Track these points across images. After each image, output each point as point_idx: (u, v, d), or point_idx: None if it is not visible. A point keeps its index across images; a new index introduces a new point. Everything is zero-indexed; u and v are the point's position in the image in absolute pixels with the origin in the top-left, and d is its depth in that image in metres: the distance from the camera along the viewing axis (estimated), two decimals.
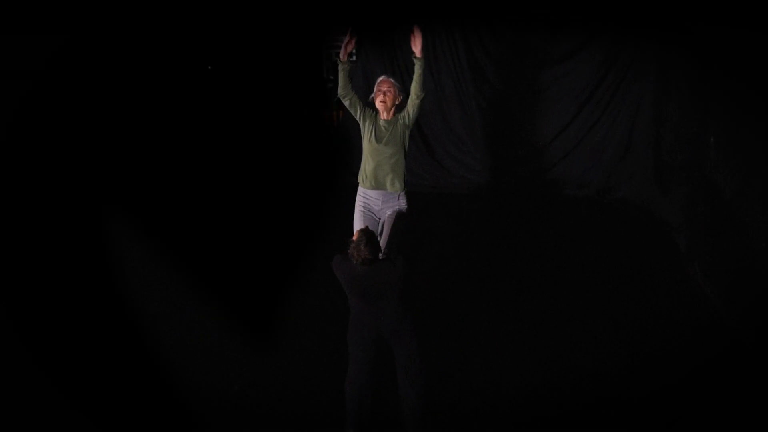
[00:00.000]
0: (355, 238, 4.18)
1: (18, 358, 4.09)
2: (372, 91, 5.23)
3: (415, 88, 5.05)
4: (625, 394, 4.81)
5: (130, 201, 5.52)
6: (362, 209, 5.27)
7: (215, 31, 6.42)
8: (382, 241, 5.08)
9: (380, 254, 4.27)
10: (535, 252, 6.72)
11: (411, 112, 5.10)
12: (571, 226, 7.31)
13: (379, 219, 5.28)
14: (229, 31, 6.58)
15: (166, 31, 5.74)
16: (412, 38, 5.03)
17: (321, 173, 8.03)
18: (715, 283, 5.83)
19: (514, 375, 5.02)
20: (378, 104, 5.11)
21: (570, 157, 8.02)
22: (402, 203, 5.25)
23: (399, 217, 5.20)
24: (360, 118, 5.15)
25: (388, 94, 5.09)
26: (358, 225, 5.24)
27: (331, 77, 8.37)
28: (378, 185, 5.18)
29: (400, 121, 5.11)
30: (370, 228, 5.01)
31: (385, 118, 5.13)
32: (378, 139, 5.09)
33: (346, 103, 5.17)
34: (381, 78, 5.23)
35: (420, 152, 8.03)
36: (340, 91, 5.14)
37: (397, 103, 5.15)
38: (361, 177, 5.25)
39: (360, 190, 5.30)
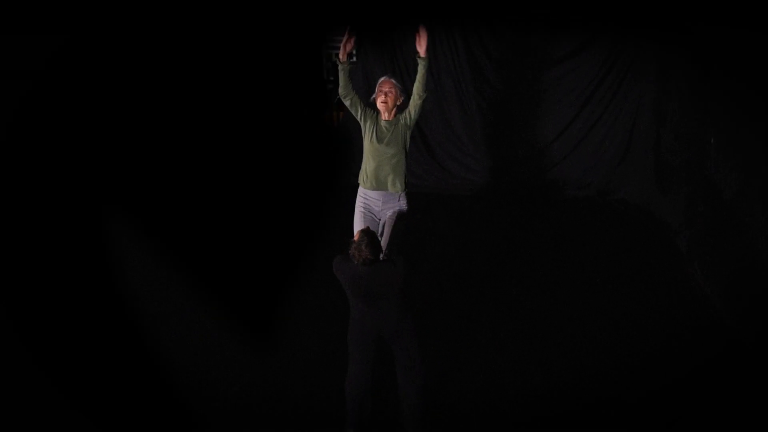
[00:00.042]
0: (356, 238, 4.18)
1: (18, 358, 4.09)
2: (372, 92, 5.23)
3: (417, 88, 5.05)
4: (625, 394, 4.81)
5: (131, 201, 5.52)
6: (362, 210, 5.27)
7: (215, 32, 6.42)
8: (383, 242, 5.08)
9: (381, 255, 4.27)
10: (536, 252, 6.72)
11: (413, 113, 5.09)
12: (572, 227, 7.31)
13: (380, 220, 5.28)
14: (229, 31, 6.57)
15: (167, 31, 5.74)
16: (418, 38, 5.02)
17: (321, 173, 8.02)
18: (715, 283, 5.83)
19: (514, 375, 5.02)
20: (379, 105, 5.11)
21: (570, 158, 8.01)
22: (402, 204, 5.24)
23: (399, 218, 5.20)
24: (361, 118, 5.15)
25: (390, 94, 5.09)
26: (358, 226, 5.24)
27: (332, 78, 8.36)
28: (379, 185, 5.18)
29: (402, 121, 5.10)
30: (371, 229, 5.02)
31: (387, 118, 5.12)
32: (379, 140, 5.09)
33: (347, 103, 5.16)
34: (382, 79, 5.23)
35: (420, 153, 8.02)
36: (340, 91, 5.14)
37: (398, 103, 5.15)
38: (362, 177, 5.25)
39: (360, 191, 5.29)
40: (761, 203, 5.11)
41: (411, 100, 5.09)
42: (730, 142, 5.73)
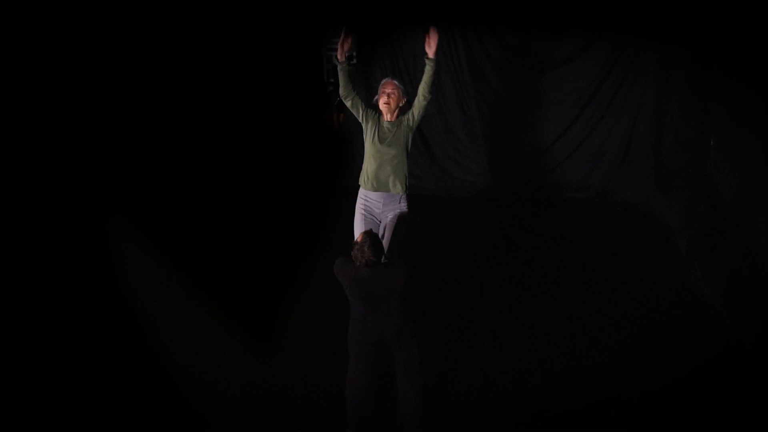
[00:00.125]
0: (358, 240, 4.18)
1: (18, 358, 4.09)
2: (373, 92, 5.22)
3: (423, 89, 5.04)
4: (626, 394, 4.81)
5: (131, 201, 5.51)
6: (363, 212, 5.26)
7: (216, 32, 6.42)
8: (384, 245, 5.07)
9: (383, 257, 4.27)
10: (536, 253, 6.72)
11: (416, 114, 5.09)
12: (572, 228, 7.31)
13: (380, 222, 5.27)
14: (229, 32, 6.57)
15: (167, 31, 5.74)
16: (427, 38, 5.00)
17: (321, 174, 8.02)
18: (715, 284, 5.83)
19: (514, 375, 5.02)
20: (382, 106, 5.10)
21: (571, 160, 8.01)
22: (403, 206, 5.24)
23: (400, 220, 5.20)
24: (362, 119, 5.15)
25: (392, 95, 5.08)
26: (358, 228, 5.23)
27: (332, 80, 8.36)
28: (380, 186, 5.17)
29: (404, 123, 5.10)
30: (370, 228, 5.02)
31: (389, 119, 5.12)
32: (381, 140, 5.08)
33: (348, 103, 5.16)
34: (385, 80, 5.23)
35: (420, 155, 8.02)
36: (341, 91, 5.14)
37: (400, 105, 5.15)
38: (363, 178, 5.24)
39: (361, 192, 5.28)
40: (761, 204, 5.11)
41: (416, 101, 5.08)
42: (730, 142, 5.73)
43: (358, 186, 5.31)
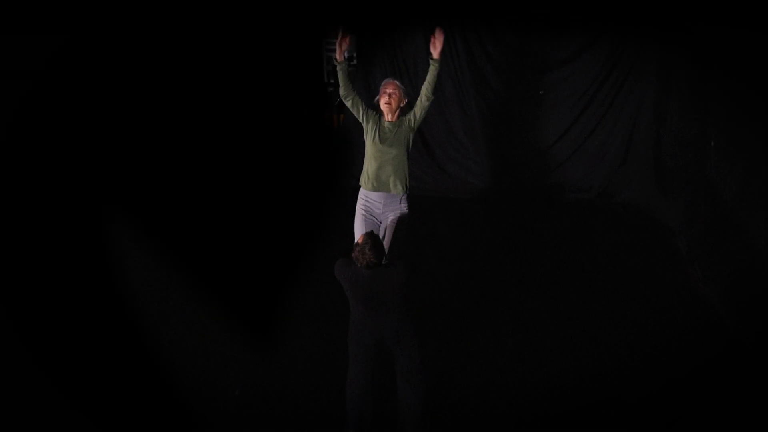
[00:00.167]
0: (359, 241, 4.18)
1: (18, 358, 4.09)
2: (373, 93, 5.22)
3: (427, 89, 5.04)
4: (626, 394, 4.81)
5: (131, 201, 5.52)
6: (363, 212, 5.25)
7: (216, 33, 6.42)
8: (384, 246, 5.06)
9: (384, 259, 4.27)
10: (536, 254, 6.73)
11: (418, 114, 5.08)
12: (572, 229, 7.31)
13: (380, 222, 5.26)
14: (229, 32, 6.57)
15: (168, 32, 5.74)
16: (433, 39, 5.00)
17: (321, 174, 8.02)
18: (715, 284, 5.83)
19: (514, 375, 5.02)
20: (383, 106, 5.10)
21: (571, 161, 8.02)
22: (403, 207, 5.23)
23: (401, 222, 5.19)
24: (363, 119, 5.15)
25: (393, 96, 5.08)
26: (359, 229, 5.23)
27: (332, 81, 8.37)
28: (380, 186, 5.16)
29: (406, 123, 5.10)
30: (371, 230, 5.02)
31: (390, 119, 5.12)
32: (382, 140, 5.08)
33: (348, 103, 5.16)
34: (386, 80, 5.23)
35: (421, 156, 8.02)
36: (341, 91, 5.14)
37: (402, 105, 5.14)
38: (363, 178, 5.23)
39: (361, 193, 5.28)
40: (761, 204, 5.11)
41: (418, 101, 5.07)
42: (730, 142, 5.73)
43: (359, 186, 5.30)
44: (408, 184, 5.19)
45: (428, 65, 5.06)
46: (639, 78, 7.59)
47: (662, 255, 6.69)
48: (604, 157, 7.97)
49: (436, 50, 5.00)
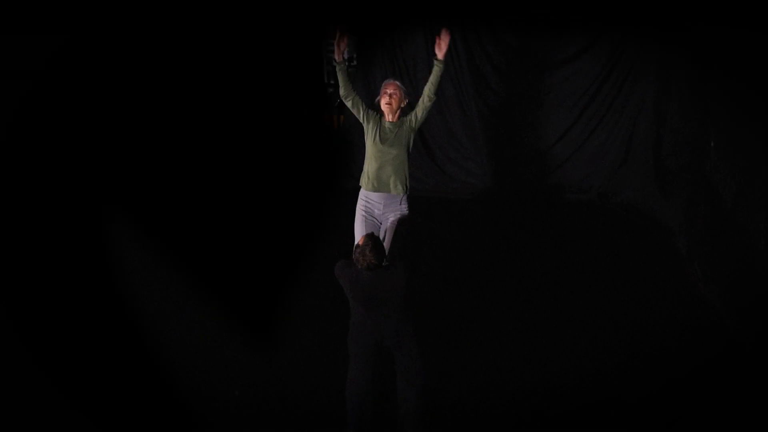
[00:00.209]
0: (360, 243, 4.17)
1: (18, 358, 4.09)
2: (372, 93, 5.22)
3: (429, 89, 5.04)
4: (626, 394, 4.81)
5: (131, 201, 5.52)
6: (363, 213, 5.24)
7: (216, 33, 6.42)
8: (384, 247, 5.05)
9: (384, 260, 4.27)
10: (536, 254, 6.73)
11: (420, 114, 5.08)
12: (572, 229, 7.31)
13: (380, 223, 5.26)
14: (229, 33, 6.57)
15: (168, 32, 5.74)
16: (438, 40, 5.00)
17: (321, 174, 8.02)
18: (715, 284, 5.83)
19: (514, 375, 5.02)
20: (384, 106, 5.10)
21: (571, 161, 8.01)
22: (404, 208, 5.22)
23: (401, 223, 5.19)
24: (363, 119, 5.14)
25: (394, 96, 5.08)
26: (359, 230, 5.22)
27: (332, 82, 8.37)
28: (380, 187, 5.15)
29: (407, 123, 5.10)
30: (371, 231, 5.01)
31: (391, 120, 5.11)
32: (382, 140, 5.07)
33: (348, 104, 5.16)
34: (387, 81, 5.23)
35: (421, 156, 8.01)
36: (341, 92, 5.14)
37: (402, 105, 5.14)
38: (364, 179, 5.22)
39: (362, 194, 5.27)
40: (761, 204, 5.11)
41: (420, 102, 5.07)
42: (730, 142, 5.73)
43: (358, 187, 5.29)
44: (408, 185, 5.19)
45: (428, 65, 5.06)
46: (639, 78, 7.59)
47: (662, 255, 6.69)
48: (604, 158, 7.97)
49: (441, 51, 5.00)
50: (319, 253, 6.28)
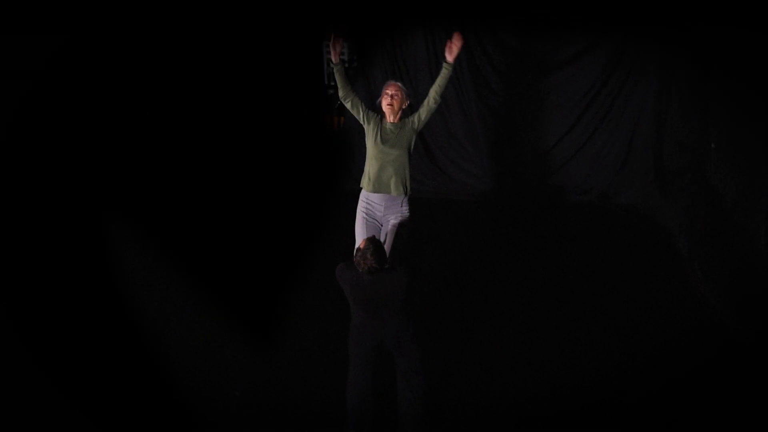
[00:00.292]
0: (361, 246, 4.17)
1: (18, 358, 4.09)
2: (373, 94, 5.22)
3: (436, 91, 5.04)
4: (626, 394, 4.81)
5: (131, 201, 5.52)
6: (364, 215, 5.23)
7: (216, 34, 6.42)
8: (385, 250, 5.04)
9: (385, 264, 4.27)
10: (537, 256, 6.73)
11: (423, 116, 5.08)
12: (573, 231, 7.31)
13: (381, 225, 5.25)
14: (229, 34, 6.58)
15: (168, 33, 5.74)
16: (449, 43, 5.00)
17: (321, 174, 8.02)
18: (715, 284, 5.83)
19: (515, 376, 5.02)
20: (385, 107, 5.10)
21: (572, 163, 8.01)
22: (405, 210, 5.21)
23: (402, 226, 5.18)
24: (363, 120, 5.14)
25: (396, 97, 5.08)
26: (360, 233, 5.21)
27: (332, 83, 8.38)
28: (381, 187, 5.15)
29: (409, 125, 5.09)
30: (372, 235, 5.01)
31: (392, 121, 5.11)
32: (383, 141, 5.07)
33: (348, 105, 5.16)
34: (388, 82, 5.24)
35: (421, 158, 8.01)
36: (340, 93, 5.14)
37: (404, 107, 5.14)
38: (364, 180, 5.21)
39: (362, 195, 5.26)
40: (761, 204, 5.11)
41: (425, 103, 5.07)
42: (730, 142, 5.72)
43: (359, 188, 5.29)
44: (409, 186, 5.18)
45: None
46: (640, 79, 7.59)
47: (662, 256, 6.69)
48: (604, 159, 7.96)
49: (451, 55, 5.01)
50: (319, 254, 6.28)
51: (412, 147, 5.17)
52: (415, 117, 5.10)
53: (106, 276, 5.02)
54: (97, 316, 4.72)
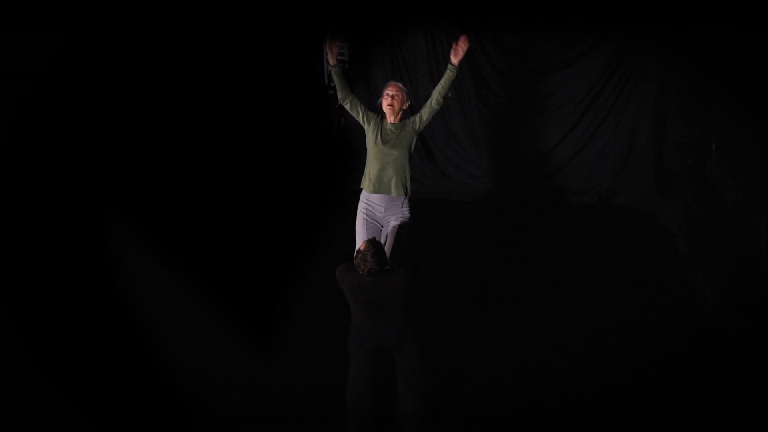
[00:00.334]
0: (361, 248, 4.17)
1: (18, 358, 4.09)
2: (373, 95, 5.21)
3: (439, 93, 5.03)
4: (626, 394, 4.81)
5: (131, 201, 5.52)
6: (365, 217, 5.23)
7: (216, 34, 6.42)
8: (386, 251, 5.04)
9: (385, 265, 4.27)
10: (537, 256, 6.72)
11: (425, 116, 5.08)
12: (573, 232, 7.31)
13: (382, 226, 5.25)
14: (229, 34, 6.58)
15: (168, 34, 5.74)
16: (455, 46, 5.00)
17: (322, 174, 8.03)
18: (716, 285, 5.83)
19: (515, 377, 5.02)
20: (385, 108, 5.10)
21: (572, 164, 8.01)
22: (405, 211, 5.21)
23: (402, 227, 5.18)
24: (363, 121, 5.14)
25: (396, 98, 5.07)
26: (360, 234, 5.21)
27: (332, 84, 8.38)
28: (381, 188, 5.14)
29: (410, 125, 5.09)
30: (373, 236, 5.01)
31: (392, 121, 5.11)
32: (384, 142, 5.07)
33: (347, 106, 5.15)
34: (389, 82, 5.23)
35: (421, 159, 8.01)
36: (339, 95, 5.14)
37: (404, 107, 5.14)
38: (365, 181, 5.21)
39: (363, 196, 5.25)
40: (761, 205, 5.11)
41: (427, 104, 5.06)
42: (730, 143, 5.72)
43: (359, 188, 5.28)
44: (409, 187, 5.17)
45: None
46: (640, 80, 7.58)
47: (663, 257, 6.69)
48: (605, 160, 7.96)
49: (456, 57, 5.01)
50: (319, 254, 6.28)
51: (413, 148, 5.16)
52: (417, 118, 5.10)
53: (106, 276, 5.02)
54: (97, 316, 4.72)
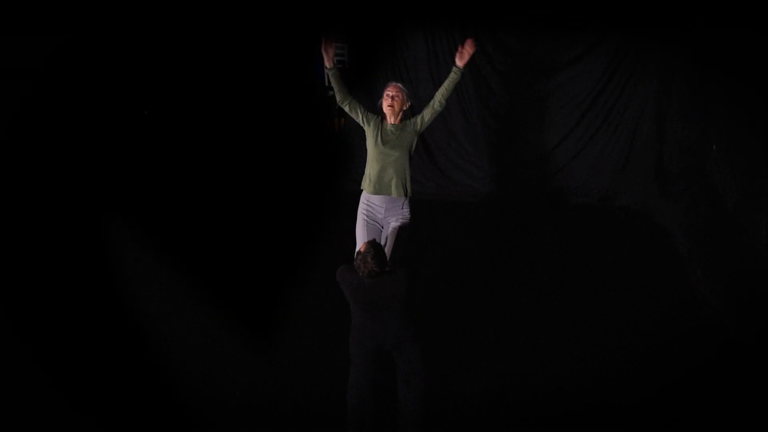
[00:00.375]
0: (362, 249, 4.16)
1: (18, 358, 4.10)
2: (373, 96, 5.21)
3: (442, 95, 5.03)
4: (626, 395, 4.80)
5: (131, 201, 5.52)
6: (365, 218, 5.22)
7: (217, 35, 6.43)
8: (386, 253, 5.04)
9: (386, 267, 4.26)
10: (538, 257, 6.72)
11: (427, 118, 5.07)
12: (574, 233, 7.30)
13: (382, 227, 5.24)
14: (230, 35, 6.58)
15: (168, 34, 5.75)
16: (460, 49, 5.00)
17: (322, 175, 8.03)
18: (716, 285, 5.83)
19: (516, 378, 5.01)
20: (385, 108, 5.09)
21: (572, 165, 8.00)
22: (406, 212, 5.20)
23: (402, 228, 5.18)
24: (363, 122, 5.13)
25: (396, 98, 5.07)
26: (361, 236, 5.20)
27: (332, 85, 8.39)
28: (382, 189, 5.14)
29: (411, 126, 5.09)
30: (373, 237, 5.01)
31: (393, 122, 5.11)
32: (384, 142, 5.06)
33: (346, 108, 5.15)
34: (390, 83, 5.23)
35: (422, 159, 8.01)
36: (337, 97, 5.13)
37: (404, 108, 5.13)
38: (365, 182, 5.20)
39: (363, 197, 5.25)
40: (762, 205, 5.11)
41: (430, 105, 5.05)
42: (730, 143, 5.72)
43: (359, 189, 5.28)
44: (410, 188, 5.17)
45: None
46: (641, 81, 7.58)
47: (662, 256, 6.68)
48: (605, 161, 7.96)
49: (462, 60, 5.00)
50: (319, 254, 6.28)
51: (413, 149, 5.16)
52: (418, 118, 5.09)
53: (106, 276, 5.02)
54: (97, 316, 4.72)
